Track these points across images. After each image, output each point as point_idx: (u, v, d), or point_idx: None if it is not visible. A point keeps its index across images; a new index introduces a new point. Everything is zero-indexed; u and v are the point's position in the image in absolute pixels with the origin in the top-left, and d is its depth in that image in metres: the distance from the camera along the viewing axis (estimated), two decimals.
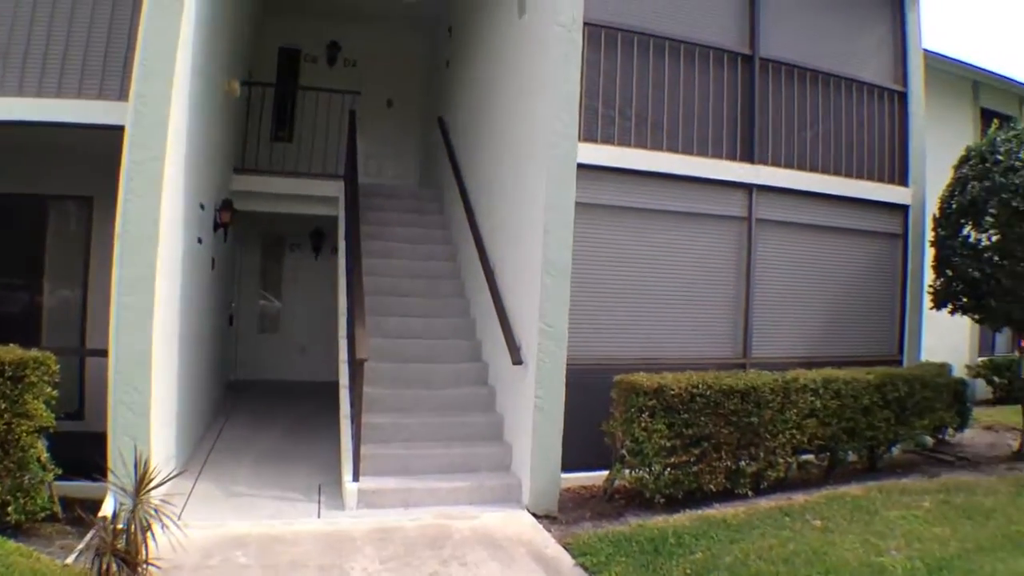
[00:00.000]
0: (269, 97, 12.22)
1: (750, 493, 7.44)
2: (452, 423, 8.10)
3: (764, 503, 7.24)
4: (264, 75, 12.46)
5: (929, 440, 9.89)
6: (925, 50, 11.32)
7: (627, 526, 6.46)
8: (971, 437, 11.06)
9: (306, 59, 13.73)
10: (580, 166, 7.54)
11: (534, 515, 6.89)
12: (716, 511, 6.91)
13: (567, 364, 7.32)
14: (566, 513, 7.03)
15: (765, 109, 9.16)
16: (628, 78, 8.28)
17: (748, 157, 8.94)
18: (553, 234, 7.28)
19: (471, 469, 7.57)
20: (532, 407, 7.17)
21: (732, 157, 8.86)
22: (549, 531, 6.48)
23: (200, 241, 8.37)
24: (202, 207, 8.33)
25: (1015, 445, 10.24)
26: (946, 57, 15.18)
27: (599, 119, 8.09)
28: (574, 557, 5.80)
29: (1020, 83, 17.23)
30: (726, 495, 7.32)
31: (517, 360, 7.56)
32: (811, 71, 9.55)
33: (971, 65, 16.00)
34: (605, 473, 7.42)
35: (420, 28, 13.95)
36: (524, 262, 7.80)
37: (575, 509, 7.14)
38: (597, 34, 8.05)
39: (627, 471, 7.14)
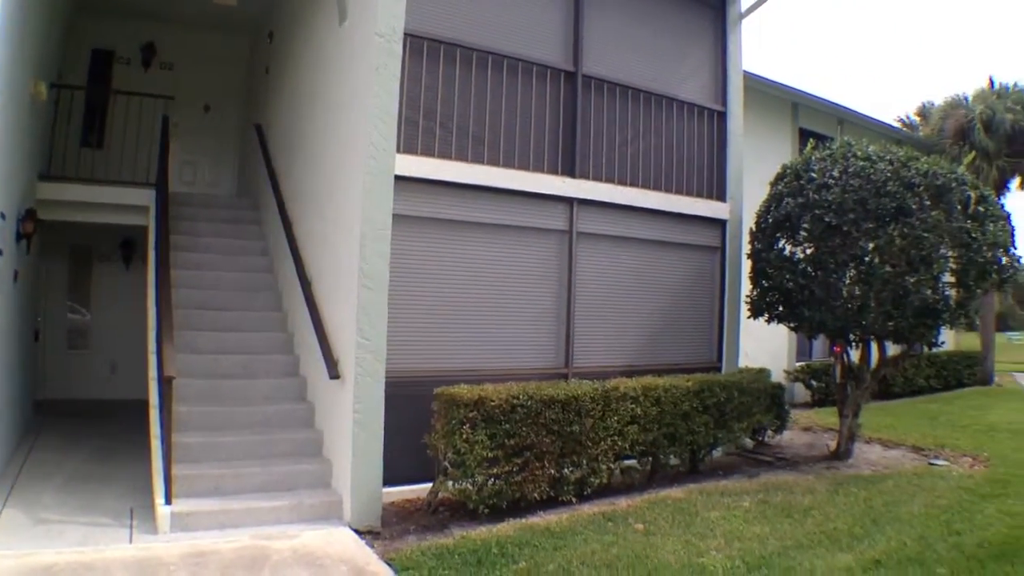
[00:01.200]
0: (79, 100, 11.60)
1: (574, 500, 7.61)
2: (270, 440, 7.89)
3: (588, 509, 7.43)
4: (75, 78, 11.80)
5: (749, 442, 10.45)
6: (747, 72, 11.94)
7: (451, 538, 6.47)
8: (790, 438, 11.75)
9: (119, 61, 13.07)
10: (399, 178, 7.55)
11: (357, 532, 6.78)
12: (540, 519, 7.04)
13: (388, 377, 7.28)
14: (390, 528, 6.96)
15: (587, 125, 9.43)
16: (451, 91, 8.34)
17: (570, 171, 9.17)
18: (370, 246, 7.23)
19: (291, 487, 7.39)
20: (351, 422, 7.08)
21: (554, 171, 9.06)
22: (372, 547, 6.39)
23: (0, 253, 7.88)
24: (2, 217, 7.84)
25: (832, 445, 10.86)
26: (767, 80, 16.08)
27: (420, 131, 8.08)
28: (396, 573, 5.75)
29: (837, 105, 18.46)
30: (550, 503, 7.45)
31: (334, 374, 7.47)
32: (633, 89, 9.91)
33: (791, 88, 17.03)
34: (430, 486, 7.43)
35: (240, 32, 13.65)
36: (341, 274, 7.74)
37: (399, 523, 7.08)
38: (419, 45, 8.05)
39: (450, 483, 7.17)
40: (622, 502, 7.71)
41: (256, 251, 10.74)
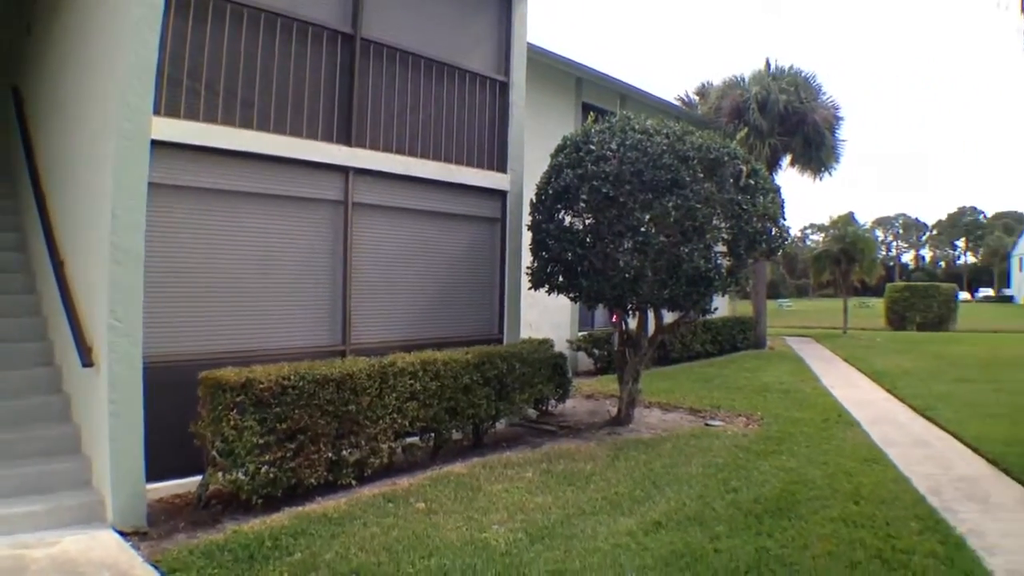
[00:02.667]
0: None
1: (354, 483, 7.43)
2: (22, 439, 7.11)
3: (368, 491, 7.28)
4: None
5: (533, 412, 10.63)
6: (532, 45, 12.03)
7: (223, 533, 6.12)
8: (573, 407, 12.08)
9: None
10: (159, 143, 6.98)
11: (121, 533, 6.28)
12: (318, 506, 6.81)
13: (148, 363, 6.75)
14: (158, 527, 6.50)
15: (366, 91, 9.18)
16: (218, 50, 7.78)
17: (346, 139, 8.90)
18: (123, 218, 6.62)
19: (48, 489, 6.70)
20: (107, 413, 6.52)
21: (329, 139, 8.75)
22: (137, 549, 5.95)
23: None
24: None
25: (613, 411, 11.25)
26: (552, 53, 16.36)
27: (184, 93, 7.48)
28: (164, 575, 5.41)
29: (618, 81, 19.07)
30: (329, 488, 7.25)
31: (87, 362, 6.82)
32: (415, 55, 9.76)
33: (575, 62, 17.41)
34: (200, 479, 7.01)
35: None
36: (93, 250, 7.07)
37: (168, 521, 6.64)
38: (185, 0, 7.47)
39: (221, 474, 6.73)
40: (404, 481, 7.62)
41: (8, 227, 9.71)
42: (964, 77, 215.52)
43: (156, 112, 6.99)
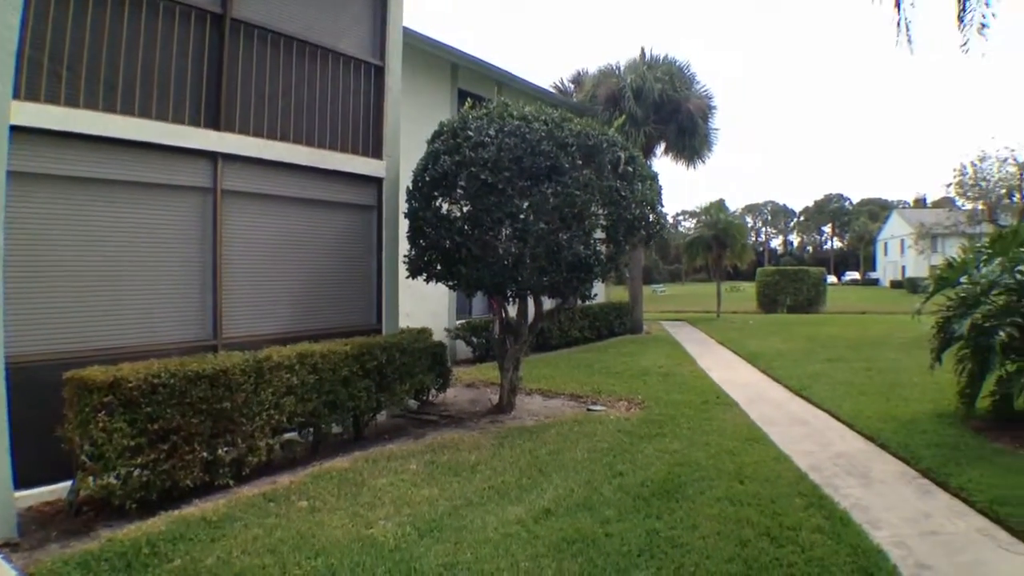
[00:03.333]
0: None
1: (232, 483, 7.23)
2: None
3: (248, 491, 7.11)
4: None
5: (414, 403, 10.60)
6: (409, 30, 11.90)
7: (98, 542, 5.85)
8: (455, 396, 12.11)
9: None
10: (18, 129, 6.59)
11: None
12: (196, 508, 6.60)
13: (10, 364, 6.35)
14: (30, 537, 6.17)
15: (236, 74, 8.91)
16: (81, 31, 7.38)
17: (215, 123, 8.62)
18: None
19: None
20: None
21: (197, 123, 8.45)
22: (10, 562, 5.63)
23: None
24: None
25: (495, 399, 11.31)
26: (429, 39, 16.25)
27: (45, 76, 7.09)
28: None
29: (496, 68, 19.08)
30: (207, 489, 7.04)
31: None
32: (287, 37, 9.53)
33: (452, 48, 17.33)
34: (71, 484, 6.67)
35: None
36: None
37: (40, 530, 6.31)
38: None
39: (92, 479, 6.42)
40: (284, 479, 7.47)
41: None
42: (834, 68, 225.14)
43: (16, 96, 6.59)
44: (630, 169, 10.45)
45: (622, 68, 26.20)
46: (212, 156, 8.56)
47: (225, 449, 7.23)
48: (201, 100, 8.55)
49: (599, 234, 10.46)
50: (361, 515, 6.37)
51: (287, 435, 8.12)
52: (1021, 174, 34.66)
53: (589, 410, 11.04)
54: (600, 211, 10.32)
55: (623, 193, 10.18)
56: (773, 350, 19.30)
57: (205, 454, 7.01)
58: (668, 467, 7.84)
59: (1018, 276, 9.79)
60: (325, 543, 5.73)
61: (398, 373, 9.48)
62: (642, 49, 26.95)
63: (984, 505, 6.73)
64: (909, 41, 12.07)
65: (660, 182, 11.11)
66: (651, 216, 10.75)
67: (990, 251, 10.50)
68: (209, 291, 8.56)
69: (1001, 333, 9.12)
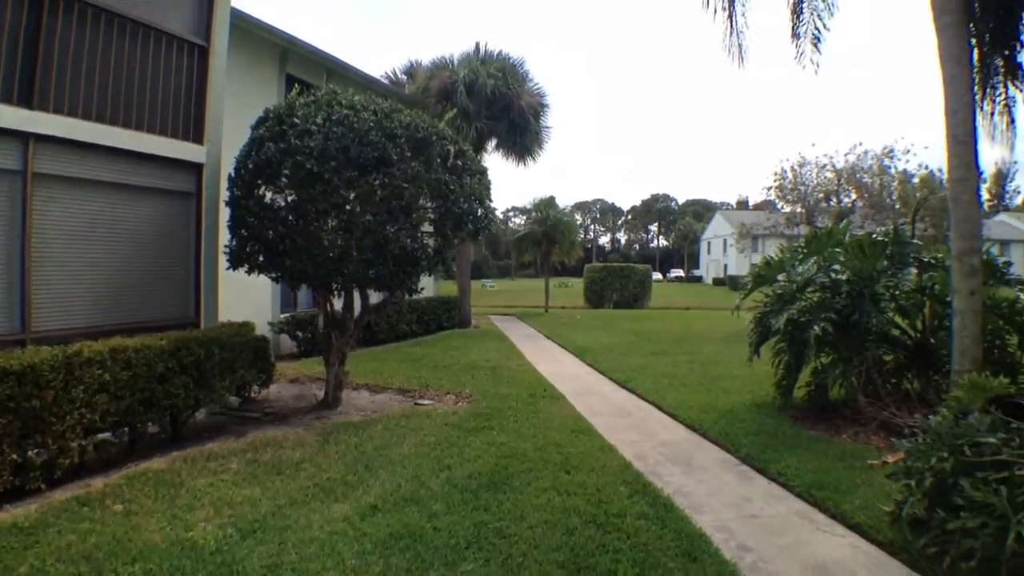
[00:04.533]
0: None
1: (44, 487, 6.93)
2: None
3: (60, 495, 6.83)
4: None
5: (235, 400, 10.41)
6: (236, 10, 11.58)
7: None
8: (278, 392, 11.97)
9: None
10: None
11: None
12: (6, 515, 6.30)
13: None
14: None
15: (52, 48, 8.44)
16: None
17: (27, 101, 8.16)
18: None
19: None
20: None
21: (8, 100, 7.97)
22: None
23: None
24: None
25: (320, 395, 11.27)
26: (257, 20, 15.84)
27: None
28: None
29: (326, 55, 18.81)
30: (17, 494, 6.73)
31: None
32: (109, 12, 9.10)
33: (282, 32, 16.93)
34: None
35: None
36: None
37: None
38: None
39: None
40: (98, 482, 7.21)
41: None
42: (662, 72, 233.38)
43: None
44: (459, 163, 10.62)
45: (456, 61, 26.43)
46: (23, 136, 8.09)
47: (35, 451, 6.88)
48: (15, 75, 8.06)
49: (427, 227, 10.54)
50: (180, 518, 6.24)
51: (101, 435, 7.81)
52: (838, 180, 37.32)
53: (417, 404, 11.17)
54: (428, 204, 10.44)
55: (452, 187, 10.35)
56: (600, 344, 20.03)
57: (14, 456, 6.66)
58: (496, 459, 8.07)
59: (832, 275, 10.61)
60: (143, 548, 5.59)
61: (218, 369, 9.28)
62: (477, 44, 27.21)
63: (802, 489, 7.31)
64: (740, 49, 12.91)
65: (490, 177, 11.32)
66: (479, 210, 10.93)
67: (806, 251, 11.36)
68: (17, 282, 8.10)
69: (816, 327, 9.82)
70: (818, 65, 12.44)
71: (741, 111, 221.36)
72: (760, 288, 11.58)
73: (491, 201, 11.20)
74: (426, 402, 11.35)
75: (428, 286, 24.08)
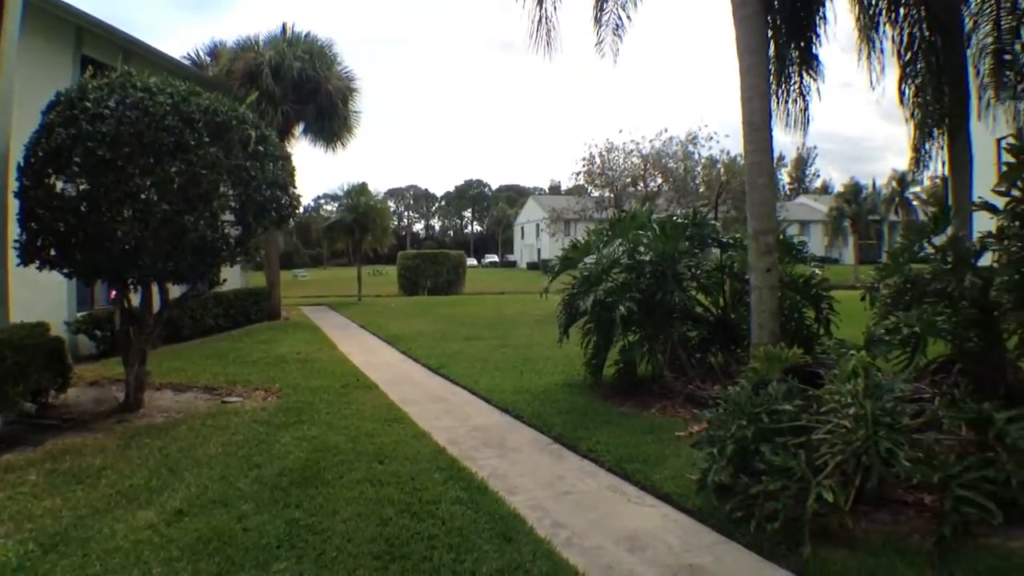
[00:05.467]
0: None
1: None
2: None
3: None
4: None
5: (31, 406, 9.77)
6: None
7: None
8: (77, 396, 11.35)
9: None
10: None
11: None
12: None
13: None
14: None
15: None
16: None
17: None
18: None
19: None
20: None
21: None
22: None
23: None
24: None
25: (121, 397, 10.76)
26: None
27: None
28: None
29: (123, 34, 17.88)
30: None
31: None
32: None
33: (75, 8, 15.96)
34: None
35: None
36: None
37: None
38: None
39: None
40: None
41: None
42: (473, 59, 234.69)
43: None
44: (261, 148, 10.40)
45: (262, 43, 25.67)
46: None
47: None
48: None
49: (228, 216, 10.29)
50: None
51: None
52: (645, 165, 38.87)
53: (224, 402, 10.91)
54: (230, 192, 10.15)
55: (253, 173, 10.13)
56: (414, 331, 20.20)
57: None
58: (306, 454, 8.03)
59: (636, 256, 11.11)
60: None
61: (10, 374, 8.72)
62: (284, 25, 26.52)
63: (613, 464, 7.69)
64: (548, 37, 13.24)
65: (295, 163, 11.20)
66: (283, 198, 10.78)
67: (610, 233, 11.86)
68: None
69: (621, 307, 10.26)
70: (617, 52, 12.99)
71: (554, 96, 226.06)
72: (568, 271, 12.00)
73: (295, 188, 11.07)
74: (234, 399, 11.10)
75: (235, 278, 23.48)
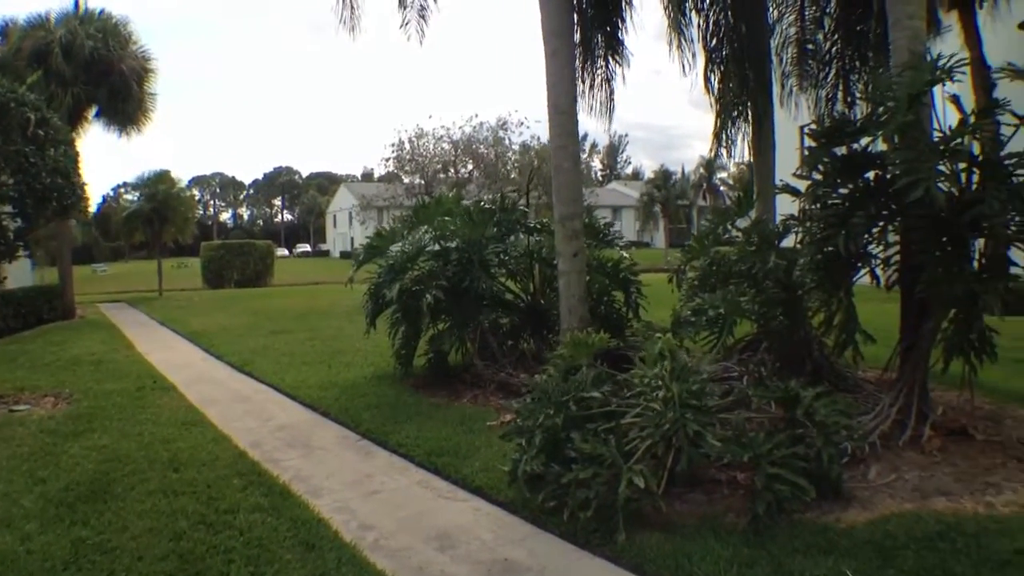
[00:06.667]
0: None
1: None
2: None
3: None
4: None
5: None
6: None
7: None
8: None
9: None
10: None
11: None
12: None
13: None
14: None
15: None
16: None
17: None
18: None
19: None
20: None
21: None
22: None
23: None
24: None
25: None
26: None
27: None
28: None
29: None
30: None
31: None
32: None
33: None
34: None
35: None
36: None
37: None
38: None
39: None
40: None
41: None
42: (281, 44, 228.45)
43: None
44: (41, 132, 9.79)
45: (54, 20, 24.03)
46: None
47: None
48: None
49: (6, 207, 9.65)
50: None
51: None
52: (456, 151, 39.00)
53: (11, 411, 10.18)
54: (8, 180, 9.52)
55: (32, 159, 9.52)
56: (217, 326, 19.53)
57: None
58: (96, 466, 7.59)
59: (443, 243, 11.12)
60: None
61: None
62: (76, 1, 24.95)
63: (423, 458, 7.61)
64: (353, 15, 13.01)
65: (78, 148, 10.67)
66: (67, 186, 10.15)
67: (415, 220, 11.78)
68: None
69: (428, 296, 10.20)
70: (423, 35, 12.98)
71: (367, 81, 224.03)
72: (376, 259, 11.86)
73: (80, 175, 10.52)
74: (21, 407, 10.36)
75: (25, 275, 22.09)
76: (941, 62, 6.85)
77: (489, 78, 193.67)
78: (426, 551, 5.61)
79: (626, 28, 13.36)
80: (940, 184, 6.63)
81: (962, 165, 7.06)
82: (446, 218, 11.51)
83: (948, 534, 5.30)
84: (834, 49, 13.55)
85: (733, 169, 63.74)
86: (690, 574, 4.96)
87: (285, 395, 11.04)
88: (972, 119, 7.01)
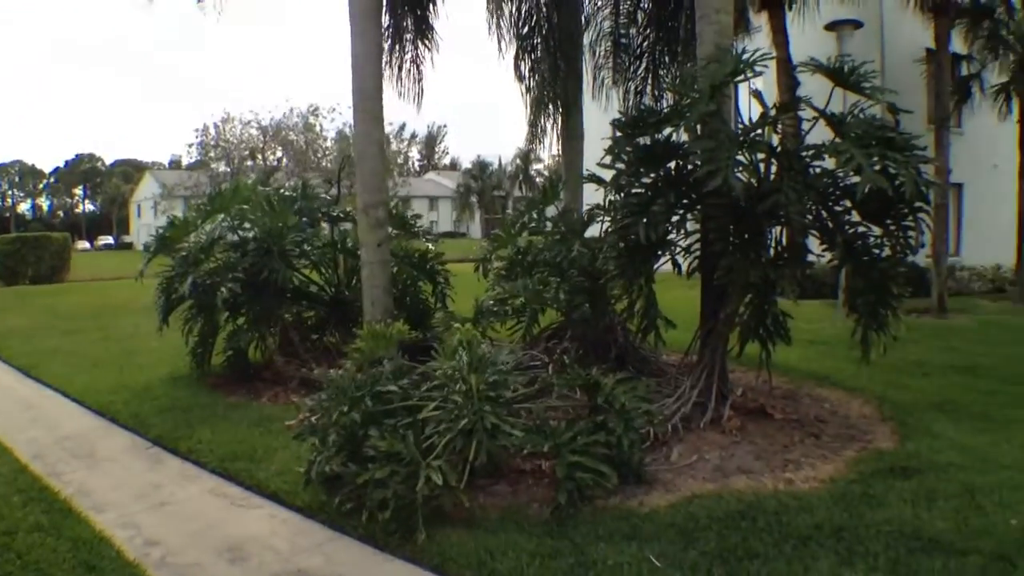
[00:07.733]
0: None
1: None
2: None
3: None
4: None
5: None
6: None
7: None
8: None
9: None
10: None
11: None
12: None
13: None
14: None
15: None
16: None
17: None
18: None
19: None
20: None
21: None
22: None
23: None
24: None
25: None
26: None
27: None
28: None
29: None
30: None
31: None
32: None
33: None
34: None
35: None
36: None
37: None
38: None
39: None
40: None
41: None
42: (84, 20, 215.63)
43: None
44: None
45: None
46: None
47: None
48: None
49: None
50: None
51: None
52: (264, 137, 37.83)
53: None
54: None
55: None
56: (5, 328, 18.13)
57: None
58: None
59: (240, 233, 10.59)
60: None
61: None
62: None
63: (216, 464, 7.24)
64: None
65: None
66: None
67: (212, 208, 11.14)
68: None
69: (224, 289, 9.72)
70: (221, 12, 12.54)
71: (177, 64, 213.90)
72: (168, 251, 11.17)
73: None
74: None
75: None
76: (745, 56, 7.03)
77: (304, 64, 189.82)
78: (216, 566, 5.32)
79: (436, 12, 13.28)
80: (739, 174, 6.82)
81: (761, 156, 7.30)
82: (244, 206, 10.96)
83: (749, 512, 5.46)
84: (645, 43, 13.83)
85: (548, 160, 65.14)
86: (492, 571, 4.88)
87: (73, 401, 10.28)
88: (773, 112, 7.24)
